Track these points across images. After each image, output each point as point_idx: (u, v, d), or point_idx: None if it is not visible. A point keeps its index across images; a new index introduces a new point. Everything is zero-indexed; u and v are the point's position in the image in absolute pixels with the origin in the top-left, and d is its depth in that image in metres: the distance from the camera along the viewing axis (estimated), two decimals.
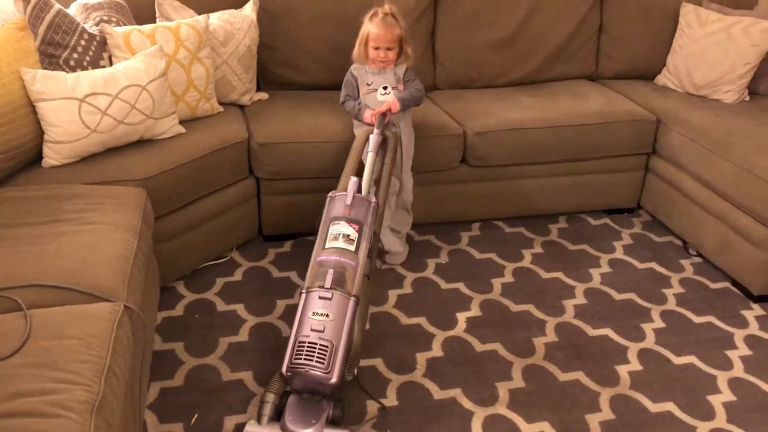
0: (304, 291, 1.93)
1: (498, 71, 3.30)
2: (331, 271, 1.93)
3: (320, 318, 1.85)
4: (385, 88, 2.57)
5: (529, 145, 2.85)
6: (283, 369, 1.82)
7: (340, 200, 2.11)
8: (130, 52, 2.42)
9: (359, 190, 2.18)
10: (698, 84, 3.21)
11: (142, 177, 2.23)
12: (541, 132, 2.84)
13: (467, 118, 2.88)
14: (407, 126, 2.62)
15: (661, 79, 3.39)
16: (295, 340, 1.84)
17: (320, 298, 1.88)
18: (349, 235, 2.02)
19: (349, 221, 2.05)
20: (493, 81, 3.31)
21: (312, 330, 1.84)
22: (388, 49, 2.51)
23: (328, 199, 2.14)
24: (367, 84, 2.59)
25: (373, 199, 2.14)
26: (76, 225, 1.88)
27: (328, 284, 1.90)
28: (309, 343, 1.82)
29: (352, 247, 2.00)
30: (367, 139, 2.40)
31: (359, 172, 2.29)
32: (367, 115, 2.53)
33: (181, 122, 2.55)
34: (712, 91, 3.19)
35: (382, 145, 2.42)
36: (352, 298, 1.90)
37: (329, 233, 2.04)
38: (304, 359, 1.79)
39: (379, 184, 2.34)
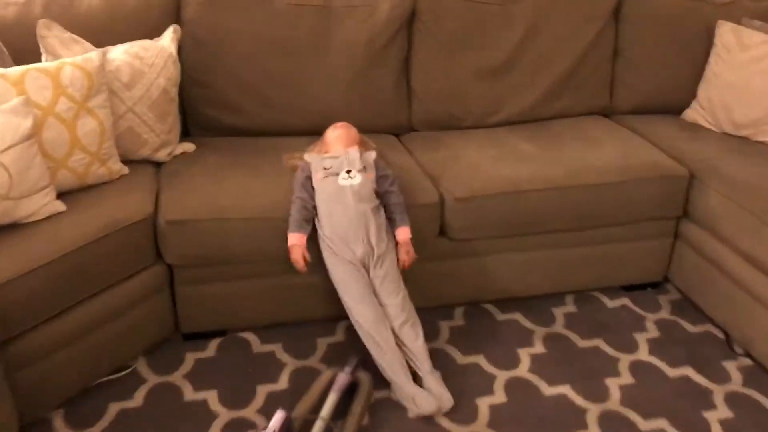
0: None
1: (488, 107, 2.66)
2: None
3: None
4: (348, 171, 1.99)
5: (527, 212, 2.21)
6: None
7: None
8: None
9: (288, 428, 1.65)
10: (739, 122, 2.57)
11: None
12: (541, 195, 2.20)
13: (446, 176, 2.24)
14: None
15: (691, 114, 2.74)
16: None
17: None
18: None
19: None
20: (483, 119, 2.67)
21: None
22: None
23: None
24: (324, 168, 2.00)
25: None
26: None
27: None
28: None
29: None
30: (332, 380, 1.87)
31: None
32: (295, 251, 1.97)
33: (65, 194, 1.95)
34: (756, 131, 2.54)
35: (351, 389, 1.89)
36: None
37: None
38: None
39: None
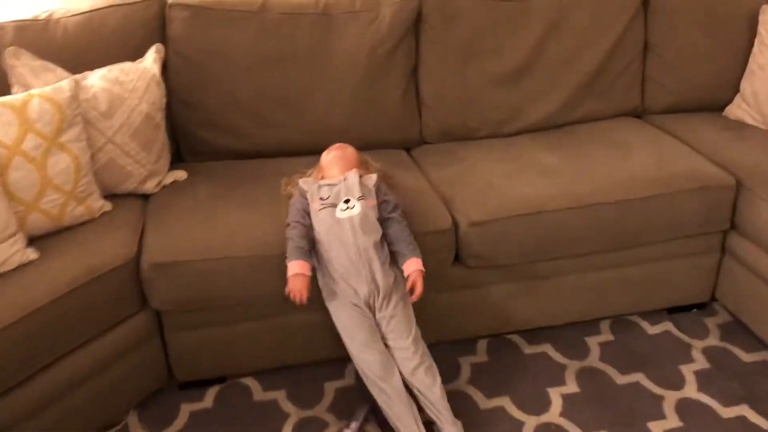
0: None
1: (506, 115, 2.43)
2: None
3: None
4: (347, 201, 1.77)
5: (551, 235, 1.98)
6: None
7: None
8: None
9: None
10: None
11: None
12: (566, 215, 1.97)
13: (460, 196, 2.02)
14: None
15: (734, 110, 2.47)
16: None
17: None
18: None
19: None
20: (500, 128, 2.44)
21: None
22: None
23: None
24: (321, 199, 1.79)
25: None
26: None
27: None
28: None
29: None
30: None
31: None
32: (298, 280, 1.71)
33: (40, 238, 1.77)
34: None
35: None
36: None
37: None
38: None
39: None
